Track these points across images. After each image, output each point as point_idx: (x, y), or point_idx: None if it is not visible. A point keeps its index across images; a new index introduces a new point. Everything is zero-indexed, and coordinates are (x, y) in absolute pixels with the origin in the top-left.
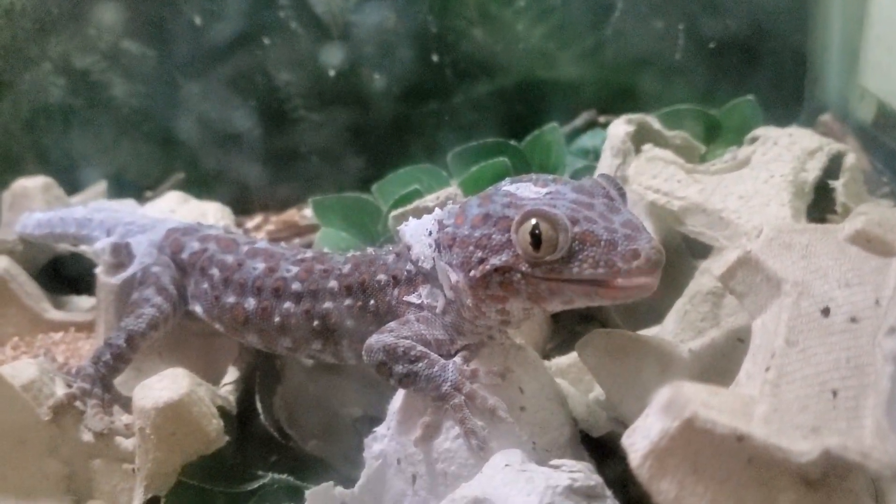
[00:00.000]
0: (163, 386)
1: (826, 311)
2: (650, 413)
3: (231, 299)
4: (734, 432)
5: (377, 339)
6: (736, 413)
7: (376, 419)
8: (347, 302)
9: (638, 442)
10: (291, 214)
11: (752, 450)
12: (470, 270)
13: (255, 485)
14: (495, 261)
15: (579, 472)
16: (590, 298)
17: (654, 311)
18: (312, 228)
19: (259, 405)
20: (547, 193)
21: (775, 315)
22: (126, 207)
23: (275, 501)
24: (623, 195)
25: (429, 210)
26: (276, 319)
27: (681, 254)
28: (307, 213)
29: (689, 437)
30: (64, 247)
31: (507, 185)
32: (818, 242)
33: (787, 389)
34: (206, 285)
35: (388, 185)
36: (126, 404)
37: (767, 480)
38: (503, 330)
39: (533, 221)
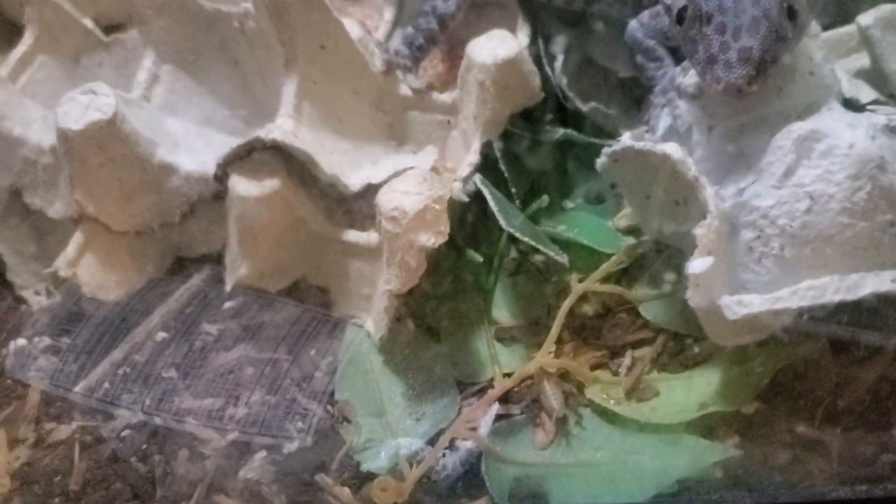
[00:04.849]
0: (494, 45)
1: None
2: None
3: None
4: None
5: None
6: None
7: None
8: None
9: None
10: None
11: None
12: None
13: (556, 135)
14: None
15: (894, 114)
16: None
17: None
18: None
19: (546, 68)
20: None
21: None
22: None
23: (568, 148)
24: None
25: None
26: None
27: None
28: None
29: None
30: None
31: None
32: None
33: None
34: None
35: None
36: None
37: None
38: None
39: None
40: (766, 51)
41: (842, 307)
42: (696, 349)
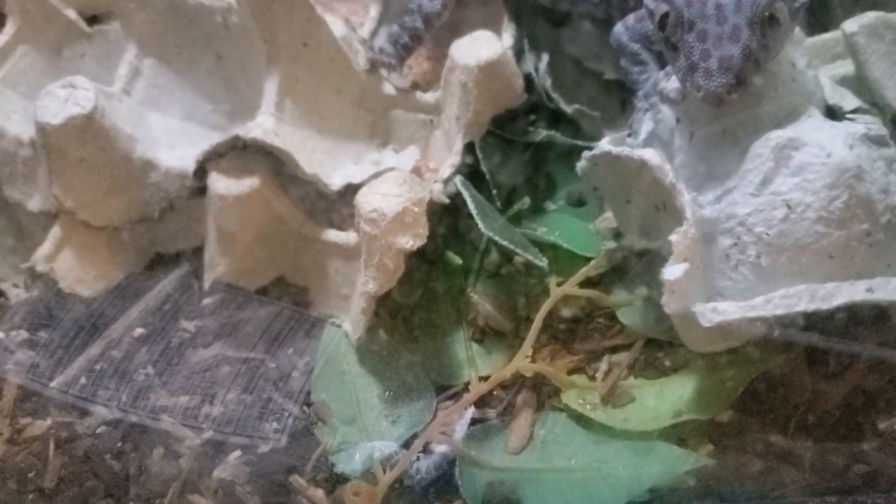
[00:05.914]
0: (477, 46)
1: None
2: None
3: None
4: None
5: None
6: None
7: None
8: None
9: None
10: None
11: None
12: None
13: (538, 136)
14: None
15: (872, 123)
16: None
17: None
18: None
19: (531, 70)
20: None
21: None
22: None
23: (550, 150)
24: None
25: None
26: None
27: None
28: None
29: None
30: None
31: None
32: None
33: None
34: None
35: None
36: None
37: None
38: None
39: None
40: (746, 59)
41: (817, 316)
42: (673, 356)
